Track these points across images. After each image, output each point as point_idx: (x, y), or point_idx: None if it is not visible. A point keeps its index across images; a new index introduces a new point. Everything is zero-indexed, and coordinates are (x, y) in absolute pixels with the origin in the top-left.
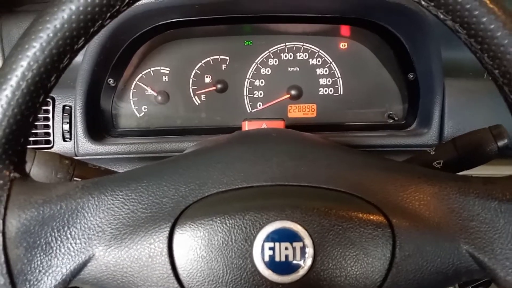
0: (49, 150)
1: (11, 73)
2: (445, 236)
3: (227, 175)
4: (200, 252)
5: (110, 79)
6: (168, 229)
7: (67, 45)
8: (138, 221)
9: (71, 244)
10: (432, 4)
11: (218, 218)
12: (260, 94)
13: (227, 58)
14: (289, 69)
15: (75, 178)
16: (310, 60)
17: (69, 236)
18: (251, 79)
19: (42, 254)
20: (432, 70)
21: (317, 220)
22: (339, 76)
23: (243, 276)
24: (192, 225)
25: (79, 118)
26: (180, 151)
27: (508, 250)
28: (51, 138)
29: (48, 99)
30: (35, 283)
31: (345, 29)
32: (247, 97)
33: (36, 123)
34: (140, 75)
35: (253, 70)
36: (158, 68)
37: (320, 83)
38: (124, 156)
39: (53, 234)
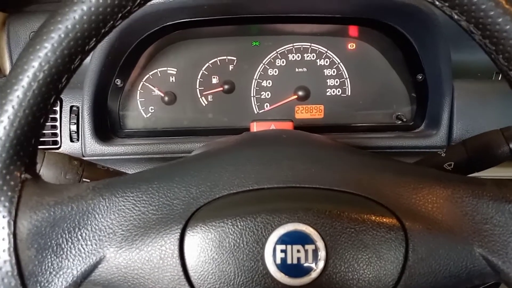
0: (56, 151)
1: (22, 73)
2: (458, 239)
3: (238, 177)
4: (211, 254)
5: (117, 80)
6: (179, 231)
7: (79, 46)
8: (149, 222)
9: (82, 245)
10: (447, 4)
11: (230, 220)
12: (268, 95)
13: (235, 58)
14: (296, 69)
15: (84, 179)
16: (318, 60)
17: (80, 237)
18: (258, 80)
19: (53, 255)
20: (441, 71)
21: (329, 222)
22: (347, 77)
23: (254, 278)
24: (203, 227)
25: (87, 118)
26: (187, 152)
27: None
28: (58, 138)
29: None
30: (46, 284)
31: (353, 30)
32: (254, 98)
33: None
34: (147, 75)
35: (260, 70)
36: (165, 68)
37: (328, 84)
38: (131, 157)
39: (64, 235)
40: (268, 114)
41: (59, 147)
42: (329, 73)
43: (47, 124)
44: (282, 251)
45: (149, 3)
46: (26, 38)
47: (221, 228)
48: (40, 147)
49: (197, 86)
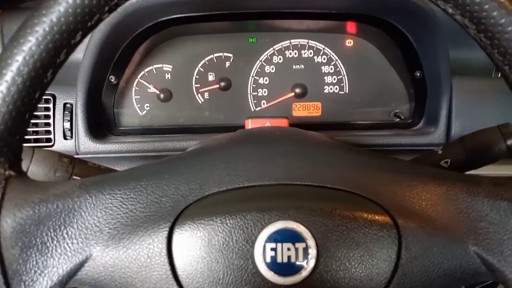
0: (49, 149)
1: (6, 68)
2: (452, 237)
3: (229, 174)
4: (200, 252)
5: (111, 76)
6: (167, 229)
7: (64, 40)
8: (136, 220)
9: (67, 244)
10: None
11: (219, 218)
12: (264, 92)
13: (231, 55)
14: (293, 66)
15: (74, 177)
16: (315, 57)
17: (65, 235)
18: (255, 77)
19: (38, 254)
20: (440, 69)
21: (320, 220)
22: (345, 74)
23: (244, 277)
24: (192, 225)
25: (80, 116)
26: (183, 149)
27: None
28: (51, 136)
29: (49, 97)
30: (31, 283)
31: (351, 26)
32: (251, 95)
33: (37, 121)
34: (143, 72)
35: (257, 67)
36: (161, 65)
37: (325, 81)
38: (126, 155)
39: (49, 233)
40: (265, 112)
41: (53, 145)
42: (326, 70)
43: (41, 121)
44: (272, 249)
45: None
46: None
47: (210, 226)
48: (33, 144)
49: (193, 83)
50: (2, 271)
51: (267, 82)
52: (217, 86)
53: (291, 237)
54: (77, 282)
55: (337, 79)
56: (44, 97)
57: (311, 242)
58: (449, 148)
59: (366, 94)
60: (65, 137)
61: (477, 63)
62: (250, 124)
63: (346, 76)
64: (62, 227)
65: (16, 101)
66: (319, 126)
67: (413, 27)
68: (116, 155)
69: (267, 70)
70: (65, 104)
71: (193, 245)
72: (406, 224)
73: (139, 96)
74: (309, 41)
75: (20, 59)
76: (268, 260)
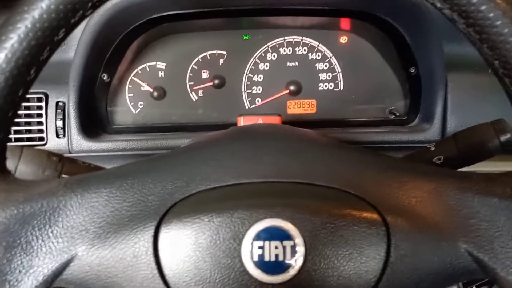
0: (42, 147)
1: None
2: (442, 235)
3: (217, 171)
4: (187, 251)
5: (104, 74)
6: (154, 227)
7: (47, 37)
8: (122, 219)
9: (52, 243)
10: None
11: (206, 216)
12: (259, 89)
13: (225, 53)
14: (288, 64)
15: (63, 175)
16: (310, 54)
17: (50, 235)
18: (249, 75)
19: (22, 253)
20: (434, 65)
21: (308, 218)
22: (340, 71)
23: (231, 276)
24: (178, 224)
25: (73, 114)
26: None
27: (509, 249)
28: (44, 134)
29: (41, 95)
30: (15, 283)
31: (345, 23)
32: (245, 92)
33: (30, 120)
34: (136, 70)
35: (251, 65)
36: (154, 63)
37: (320, 78)
38: (119, 153)
39: (34, 233)
40: (260, 109)
41: (46, 143)
42: (321, 67)
43: (33, 120)
44: (259, 247)
45: None
46: None
47: (196, 224)
48: (26, 143)
49: (187, 81)
50: None
51: (261, 80)
52: (211, 83)
53: (279, 235)
54: (63, 282)
55: (332, 76)
56: (36, 95)
57: (299, 240)
58: (442, 145)
59: (361, 91)
60: (57, 136)
61: (472, 58)
62: (242, 121)
63: (340, 73)
64: (47, 226)
65: None
66: (314, 123)
67: (407, 23)
68: (110, 153)
69: (261, 67)
70: (57, 102)
71: (180, 243)
72: (395, 222)
73: (132, 94)
74: (303, 38)
75: (2, 57)
76: (256, 258)
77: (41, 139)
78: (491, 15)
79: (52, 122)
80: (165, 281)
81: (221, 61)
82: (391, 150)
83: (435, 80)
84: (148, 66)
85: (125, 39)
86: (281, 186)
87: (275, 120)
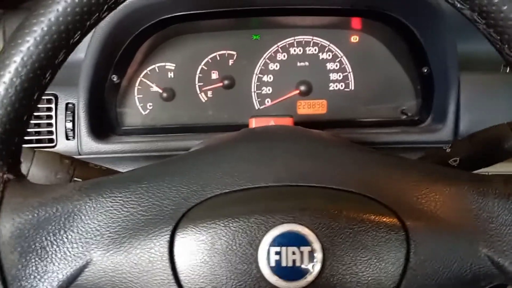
0: (51, 149)
1: (4, 69)
2: (462, 239)
3: (231, 175)
4: (203, 256)
5: (113, 75)
6: (169, 232)
7: (63, 40)
8: (137, 224)
9: (67, 248)
10: None
11: (222, 221)
12: (269, 90)
13: (234, 53)
14: (298, 64)
15: (75, 178)
16: (320, 54)
17: (65, 240)
18: (259, 75)
19: (37, 259)
20: (447, 64)
21: (326, 223)
22: (350, 70)
23: (248, 282)
24: (194, 229)
25: (83, 116)
26: (187, 149)
27: None
28: (54, 136)
29: (51, 97)
30: None
31: (356, 22)
32: (255, 93)
33: (39, 122)
34: (145, 71)
35: (261, 65)
36: (164, 64)
37: (331, 78)
38: (129, 155)
39: (48, 238)
40: (269, 110)
41: (55, 145)
42: (331, 67)
43: (43, 122)
44: (276, 253)
45: None
46: None
47: (212, 229)
48: (35, 145)
49: (196, 82)
50: (1, 277)
51: (271, 80)
52: (221, 84)
53: (296, 240)
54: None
55: (343, 76)
56: (46, 97)
57: (316, 245)
58: (457, 146)
59: (372, 91)
60: (67, 138)
61: (485, 57)
62: (254, 123)
63: (351, 73)
64: (62, 231)
65: (14, 103)
66: (325, 124)
67: (420, 21)
68: (119, 155)
69: (271, 67)
70: (67, 104)
71: (196, 249)
72: (415, 226)
73: (141, 96)
74: (314, 37)
75: (18, 60)
76: (273, 264)
77: (51, 141)
78: None
79: (62, 124)
80: (180, 287)
81: (231, 61)
82: (402, 150)
83: (448, 79)
84: (158, 67)
85: (135, 41)
86: (297, 190)
87: (288, 121)
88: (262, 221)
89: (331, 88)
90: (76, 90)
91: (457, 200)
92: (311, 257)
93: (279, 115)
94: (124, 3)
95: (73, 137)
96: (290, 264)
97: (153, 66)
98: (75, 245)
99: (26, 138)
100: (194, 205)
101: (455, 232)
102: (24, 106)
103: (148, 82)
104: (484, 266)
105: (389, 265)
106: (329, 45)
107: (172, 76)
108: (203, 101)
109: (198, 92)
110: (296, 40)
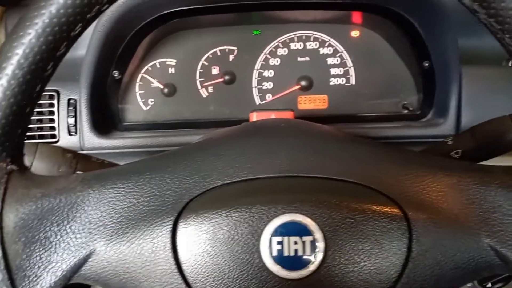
0: (54, 144)
1: (6, 61)
2: (465, 229)
3: (233, 166)
4: (205, 246)
5: (115, 71)
6: (171, 223)
7: (64, 32)
8: (140, 214)
9: (71, 239)
10: None
11: (224, 211)
12: (269, 85)
13: (235, 48)
14: (299, 59)
15: (78, 172)
16: (321, 49)
17: (69, 230)
18: (259, 70)
19: (41, 249)
20: (449, 58)
21: (327, 213)
22: (351, 65)
23: (250, 271)
24: (196, 219)
25: (84, 111)
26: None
27: None
28: (56, 132)
29: (53, 93)
30: (35, 279)
31: (356, 16)
32: (256, 88)
33: (41, 117)
34: (146, 67)
35: (261, 60)
36: (164, 60)
37: (332, 73)
38: (130, 150)
39: (52, 228)
40: (270, 105)
41: (57, 141)
42: (332, 62)
43: (45, 117)
44: (278, 243)
45: None
46: None
47: (214, 219)
48: (38, 140)
49: (197, 77)
50: (5, 267)
51: (272, 75)
52: (222, 79)
53: (298, 230)
54: (81, 277)
55: (344, 71)
56: (48, 93)
57: (318, 235)
58: (459, 138)
59: (374, 86)
60: (69, 133)
61: (487, 51)
62: (255, 117)
63: (352, 68)
64: (65, 222)
65: (17, 94)
66: (326, 119)
67: (421, 15)
68: (121, 150)
69: (272, 62)
70: (69, 100)
71: (198, 239)
72: (417, 216)
73: (143, 91)
74: (314, 32)
75: (20, 52)
76: (275, 254)
77: (53, 136)
78: None
79: (64, 119)
80: (183, 277)
81: (231, 57)
82: (404, 145)
83: (450, 74)
84: (159, 62)
85: (136, 36)
86: (298, 181)
87: (288, 115)
88: (264, 211)
89: (332, 83)
90: (78, 86)
91: (459, 190)
92: (313, 247)
93: (280, 109)
94: None
95: (75, 133)
96: (292, 253)
97: (154, 62)
98: (78, 236)
99: (28, 134)
100: (196, 196)
101: (457, 222)
102: (27, 98)
103: (149, 78)
104: (487, 256)
105: (391, 255)
106: (329, 40)
107: (173, 71)
108: (204, 96)
109: (199, 87)
110: (297, 35)
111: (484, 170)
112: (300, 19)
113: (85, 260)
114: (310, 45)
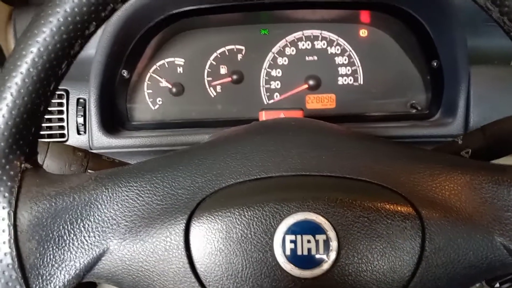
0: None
1: (21, 59)
2: (477, 228)
3: (245, 165)
4: (218, 245)
5: (124, 71)
6: (185, 221)
7: (78, 30)
8: (153, 213)
9: (84, 237)
10: None
11: (237, 210)
12: (277, 84)
13: (243, 48)
14: (307, 58)
15: (89, 171)
16: (329, 48)
17: (82, 229)
18: (267, 69)
19: (55, 247)
20: (457, 57)
21: (341, 211)
22: (359, 65)
23: (263, 270)
24: (209, 217)
25: (93, 111)
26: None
27: None
28: (65, 131)
29: (62, 92)
30: (48, 277)
31: (365, 15)
32: (264, 88)
33: (51, 117)
34: (155, 66)
35: (269, 60)
36: (173, 59)
37: (339, 73)
38: (139, 149)
39: (66, 227)
40: (278, 104)
41: (66, 140)
42: (340, 61)
43: (54, 116)
44: (291, 241)
45: None
46: None
47: (227, 218)
48: (47, 140)
49: (205, 77)
50: (19, 265)
51: (280, 74)
52: (230, 79)
53: (311, 229)
54: (95, 276)
55: (351, 70)
56: (57, 92)
57: (331, 234)
58: (469, 137)
59: (382, 85)
60: (78, 132)
61: (495, 51)
62: (264, 116)
63: (360, 67)
64: (79, 220)
65: (32, 93)
66: (334, 118)
67: (429, 14)
68: (129, 149)
69: (280, 62)
70: (78, 99)
71: (211, 237)
72: (430, 215)
73: (151, 91)
74: (322, 31)
75: (34, 51)
76: (288, 252)
77: (62, 135)
78: None
79: (73, 118)
80: (196, 275)
81: (240, 56)
82: (412, 145)
83: (458, 73)
84: (167, 62)
85: (145, 35)
86: (311, 179)
87: (297, 114)
88: (277, 210)
89: (340, 83)
90: (87, 85)
91: (472, 189)
92: (327, 246)
93: (289, 108)
94: None
95: (84, 132)
96: (305, 252)
97: (162, 61)
98: (92, 234)
99: None
100: (209, 194)
101: (470, 221)
102: (41, 96)
103: (158, 77)
104: (500, 255)
105: (404, 254)
106: (337, 39)
107: (181, 71)
108: (212, 96)
109: (207, 87)
110: (305, 34)
111: (497, 168)
112: (308, 19)
113: (98, 258)
114: (318, 44)
